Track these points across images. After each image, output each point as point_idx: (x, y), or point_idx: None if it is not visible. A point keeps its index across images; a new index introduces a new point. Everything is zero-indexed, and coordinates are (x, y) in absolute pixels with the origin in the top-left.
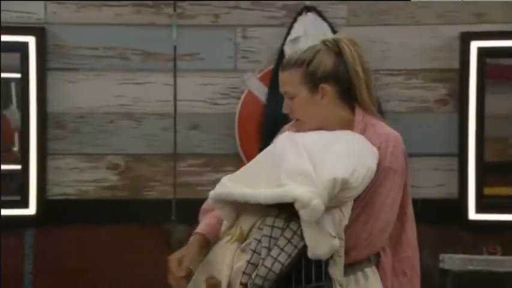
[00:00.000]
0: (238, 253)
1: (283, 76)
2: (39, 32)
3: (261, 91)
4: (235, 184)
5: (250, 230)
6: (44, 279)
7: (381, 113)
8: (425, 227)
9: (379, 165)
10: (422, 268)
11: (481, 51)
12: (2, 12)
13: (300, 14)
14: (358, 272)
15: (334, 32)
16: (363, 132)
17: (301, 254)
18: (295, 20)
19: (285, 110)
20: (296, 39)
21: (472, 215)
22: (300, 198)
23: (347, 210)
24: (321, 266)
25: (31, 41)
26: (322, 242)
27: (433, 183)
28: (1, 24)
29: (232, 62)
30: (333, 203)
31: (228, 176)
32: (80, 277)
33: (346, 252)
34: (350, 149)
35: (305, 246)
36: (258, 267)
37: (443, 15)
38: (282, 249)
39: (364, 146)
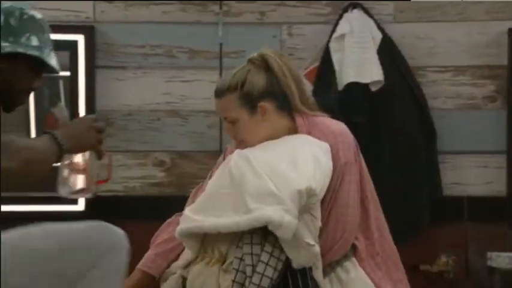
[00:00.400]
0: (221, 274)
1: (220, 104)
2: (88, 30)
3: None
4: (202, 217)
5: (227, 250)
6: None
7: (427, 109)
8: (473, 225)
9: (335, 164)
10: (470, 266)
11: None
12: (52, 11)
13: (345, 10)
14: (337, 268)
15: (380, 28)
16: (308, 133)
17: (286, 265)
18: (340, 17)
19: (226, 133)
20: (342, 36)
21: None
22: (273, 220)
23: (316, 211)
24: (305, 273)
25: (80, 39)
26: (303, 252)
27: (481, 181)
28: (52, 23)
29: None
30: (302, 210)
31: (189, 208)
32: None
33: (323, 255)
34: (304, 154)
35: (287, 258)
36: (246, 285)
37: (492, 11)
38: (266, 264)
39: (314, 146)
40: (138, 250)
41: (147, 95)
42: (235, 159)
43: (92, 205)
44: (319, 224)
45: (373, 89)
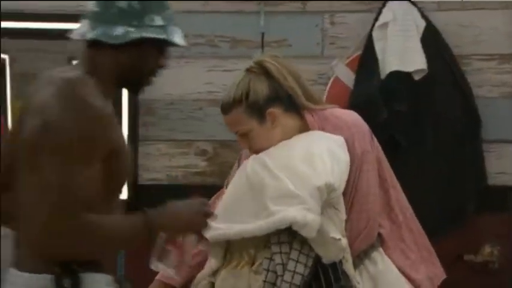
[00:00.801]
0: (252, 276)
1: (228, 119)
2: None
3: (348, 78)
4: (225, 225)
5: (255, 252)
6: (136, 262)
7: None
8: None
9: (353, 155)
10: None
11: None
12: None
13: None
14: (366, 260)
15: (423, 16)
16: (321, 129)
17: (316, 261)
18: (383, 5)
19: (241, 145)
20: (384, 25)
21: None
22: (296, 220)
23: (341, 205)
24: (336, 268)
25: None
26: (331, 247)
27: None
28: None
29: (319, 49)
30: (325, 206)
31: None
32: None
33: (350, 246)
34: (319, 150)
35: (317, 254)
36: (278, 284)
37: None
38: (297, 261)
39: (329, 141)
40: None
41: (189, 85)
42: (251, 164)
43: (135, 194)
44: (343, 216)
45: (416, 77)
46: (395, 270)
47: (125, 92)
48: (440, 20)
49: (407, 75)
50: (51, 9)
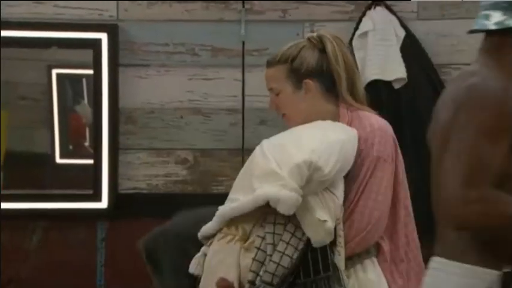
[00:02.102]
0: (243, 252)
1: (268, 73)
2: (111, 28)
3: None
4: (223, 206)
5: (251, 229)
6: (116, 272)
7: None
8: None
9: (367, 155)
10: None
11: None
12: (76, 9)
13: (368, 8)
14: (357, 264)
15: (403, 26)
16: (349, 125)
17: (307, 246)
18: (363, 14)
19: (270, 107)
20: (364, 34)
21: None
22: (270, 196)
23: (337, 190)
24: (327, 257)
25: (103, 37)
26: (317, 228)
27: None
28: (75, 22)
29: None
30: (314, 186)
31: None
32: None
33: (346, 244)
34: (313, 132)
35: (309, 239)
36: (266, 263)
37: None
38: (287, 243)
39: (334, 127)
40: None
41: (170, 93)
42: (257, 147)
43: (115, 203)
44: (339, 201)
45: (396, 86)
46: (385, 284)
47: (105, 100)
48: (419, 29)
49: (387, 84)
50: (30, 17)
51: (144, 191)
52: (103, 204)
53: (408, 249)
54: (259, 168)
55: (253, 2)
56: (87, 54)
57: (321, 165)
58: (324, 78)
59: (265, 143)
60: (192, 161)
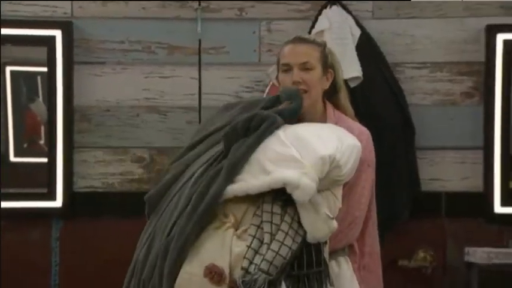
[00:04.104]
0: (234, 239)
1: (303, 48)
2: (66, 25)
3: None
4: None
5: (242, 217)
6: (71, 271)
7: (405, 105)
8: (451, 220)
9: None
10: (448, 261)
11: (508, 44)
12: (29, 6)
13: (324, 7)
14: (332, 260)
15: (359, 25)
16: (334, 124)
17: (303, 239)
18: (319, 13)
19: (296, 78)
20: (321, 33)
21: (498, 208)
22: (290, 180)
23: (339, 193)
24: (320, 252)
25: (58, 34)
26: (321, 224)
27: (458, 177)
28: (29, 18)
29: (256, 56)
30: (326, 183)
31: None
32: (105, 270)
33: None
34: (329, 131)
35: (305, 232)
36: (264, 252)
37: (469, 8)
38: (286, 233)
39: (343, 131)
40: (116, 246)
41: (126, 91)
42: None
43: (70, 201)
44: (339, 205)
45: (352, 85)
46: (356, 283)
47: (59, 98)
48: (375, 28)
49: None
50: None
51: (100, 190)
52: (58, 203)
53: (370, 259)
54: (275, 153)
55: (209, 0)
56: (42, 52)
57: (341, 164)
58: (333, 76)
59: (281, 132)
60: (148, 160)
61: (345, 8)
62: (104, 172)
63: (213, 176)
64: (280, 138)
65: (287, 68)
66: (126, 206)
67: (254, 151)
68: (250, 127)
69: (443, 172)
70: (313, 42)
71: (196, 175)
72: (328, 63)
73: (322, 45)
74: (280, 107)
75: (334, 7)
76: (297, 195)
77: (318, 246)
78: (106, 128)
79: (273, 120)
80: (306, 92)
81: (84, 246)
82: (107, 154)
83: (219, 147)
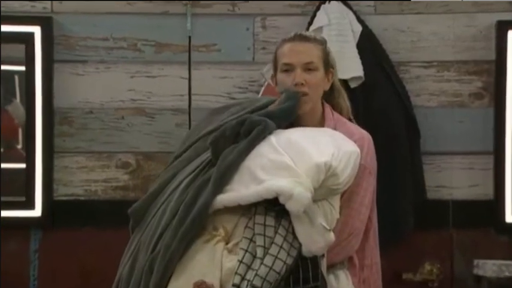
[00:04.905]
0: (225, 254)
1: (305, 46)
2: (45, 21)
3: None
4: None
5: (233, 230)
6: (50, 285)
7: (410, 107)
8: (459, 230)
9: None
10: (456, 274)
11: None
12: (6, 1)
13: (323, 2)
14: (330, 275)
15: (360, 21)
16: (334, 129)
17: (298, 253)
18: (318, 8)
19: (299, 79)
20: (319, 29)
21: (509, 217)
22: (283, 190)
23: (336, 202)
24: (317, 266)
25: (37, 31)
26: (317, 237)
27: (466, 184)
28: (5, 14)
29: (250, 54)
30: (322, 193)
31: None
32: (87, 282)
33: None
34: (325, 136)
35: (300, 245)
36: (257, 267)
37: (479, 3)
38: (280, 247)
39: (341, 136)
40: (100, 258)
41: (110, 92)
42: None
43: (50, 210)
44: (337, 215)
45: (353, 85)
46: None
47: (38, 99)
48: (377, 24)
49: (343, 83)
50: None
51: (82, 198)
52: (37, 212)
53: (370, 273)
54: (269, 161)
55: None
56: (19, 50)
57: (338, 172)
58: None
59: (273, 138)
60: (134, 165)
61: (345, 2)
62: (86, 179)
63: (201, 185)
64: (272, 144)
65: (288, 68)
66: (110, 216)
67: (245, 158)
68: (240, 132)
69: (450, 179)
70: (315, 40)
71: (183, 185)
72: (329, 62)
73: (324, 43)
74: (271, 107)
75: (334, 2)
76: (290, 206)
77: (315, 260)
78: (89, 131)
79: (265, 124)
80: (306, 95)
81: (65, 258)
82: (89, 160)
83: (208, 154)
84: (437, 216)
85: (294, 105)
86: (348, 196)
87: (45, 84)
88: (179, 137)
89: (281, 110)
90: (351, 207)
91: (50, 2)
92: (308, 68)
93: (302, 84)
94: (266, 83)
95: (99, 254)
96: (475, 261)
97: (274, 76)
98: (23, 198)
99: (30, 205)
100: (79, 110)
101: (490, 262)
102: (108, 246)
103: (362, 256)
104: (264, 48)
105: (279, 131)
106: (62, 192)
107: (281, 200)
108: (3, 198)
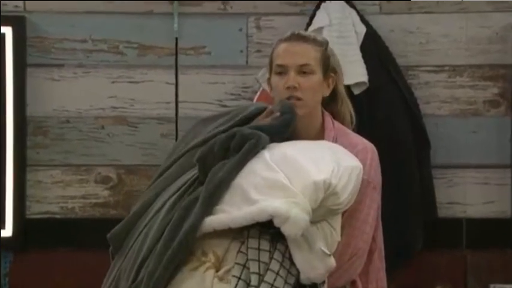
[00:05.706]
0: (216, 282)
1: (301, 47)
2: (17, 21)
3: None
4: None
5: (224, 255)
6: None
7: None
8: (473, 251)
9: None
10: None
11: None
12: None
13: (323, 0)
14: None
15: (364, 21)
16: (334, 140)
17: (296, 280)
18: (318, 7)
19: (291, 82)
20: (319, 30)
21: None
22: (278, 212)
23: (337, 223)
24: None
25: (8, 32)
26: (316, 263)
27: (481, 200)
28: None
29: (243, 57)
30: (321, 213)
31: None
32: None
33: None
34: (323, 151)
35: (298, 272)
36: None
37: (494, 2)
38: (277, 274)
39: (341, 150)
40: (77, 283)
41: (89, 99)
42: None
43: (22, 230)
44: (338, 238)
45: (356, 92)
46: None
47: (9, 107)
48: (383, 25)
49: (346, 89)
50: None
51: (58, 216)
52: (7, 232)
53: None
54: (262, 179)
55: None
56: None
57: (338, 190)
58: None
59: (266, 153)
60: (115, 180)
61: (347, 1)
62: (62, 195)
63: (188, 206)
64: (266, 160)
65: (282, 70)
66: (88, 236)
67: (236, 176)
68: (230, 147)
69: (464, 195)
70: (313, 40)
71: (167, 205)
72: (330, 66)
73: (324, 45)
74: (267, 120)
75: (335, 0)
76: (287, 230)
77: (315, 287)
78: (65, 142)
79: (258, 138)
80: (299, 99)
81: (38, 283)
82: (66, 174)
83: (194, 171)
84: (450, 236)
85: (289, 119)
86: (349, 214)
87: (17, 90)
88: (165, 148)
89: (273, 126)
90: (353, 226)
91: (22, 0)
92: (303, 70)
93: (295, 87)
94: (261, 89)
95: (76, 278)
96: (491, 286)
97: (269, 79)
98: None
99: (0, 224)
100: (54, 118)
101: (508, 287)
102: (86, 269)
103: (366, 280)
104: (258, 51)
105: (273, 144)
106: (35, 210)
107: (276, 223)
108: None
